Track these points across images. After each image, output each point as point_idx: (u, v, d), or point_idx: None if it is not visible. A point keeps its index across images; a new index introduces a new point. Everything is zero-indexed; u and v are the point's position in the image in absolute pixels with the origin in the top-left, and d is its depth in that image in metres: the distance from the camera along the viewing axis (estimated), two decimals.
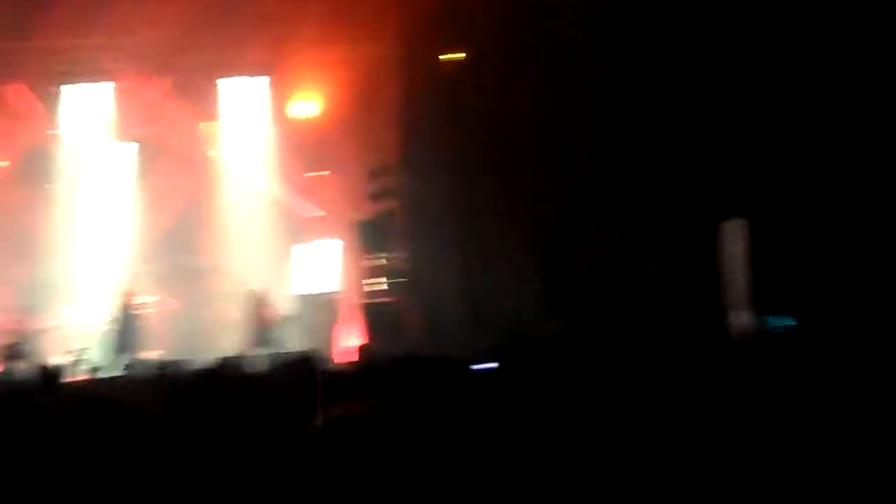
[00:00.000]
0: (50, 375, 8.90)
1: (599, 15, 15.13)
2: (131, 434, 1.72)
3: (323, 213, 21.69)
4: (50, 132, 20.98)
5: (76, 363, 17.29)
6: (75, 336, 18.87)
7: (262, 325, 18.84)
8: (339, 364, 11.68)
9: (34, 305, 19.35)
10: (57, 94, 20.94)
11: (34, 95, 20.69)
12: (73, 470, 1.68)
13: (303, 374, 6.58)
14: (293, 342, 18.71)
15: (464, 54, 17.55)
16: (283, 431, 3.70)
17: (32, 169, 20.74)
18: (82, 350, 18.22)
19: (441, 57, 17.50)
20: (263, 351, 16.75)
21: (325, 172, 21.52)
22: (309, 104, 21.16)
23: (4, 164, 20.59)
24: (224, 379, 4.73)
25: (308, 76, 20.72)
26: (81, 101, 20.96)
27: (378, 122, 19.48)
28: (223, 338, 18.42)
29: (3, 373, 16.56)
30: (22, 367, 16.39)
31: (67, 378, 10.67)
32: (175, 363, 10.46)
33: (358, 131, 20.83)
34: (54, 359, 12.63)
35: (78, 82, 20.77)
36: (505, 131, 16.77)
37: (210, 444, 1.72)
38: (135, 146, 21.32)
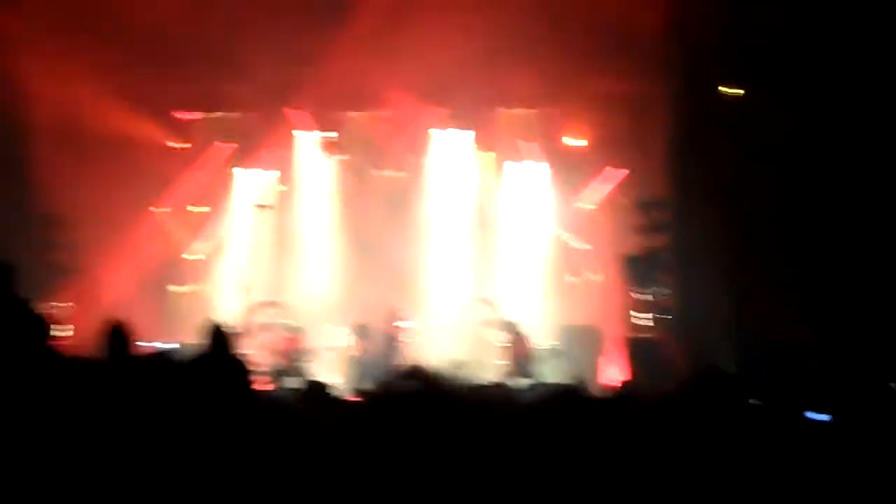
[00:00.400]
0: (321, 391, 9.19)
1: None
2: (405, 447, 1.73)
3: (589, 247, 21.64)
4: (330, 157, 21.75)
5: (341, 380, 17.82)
6: (337, 357, 19.45)
7: (523, 355, 18.88)
8: (603, 397, 11.59)
9: (310, 325, 20.10)
10: (338, 121, 21.76)
11: (317, 121, 21.57)
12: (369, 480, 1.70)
13: (567, 405, 6.57)
14: (556, 374, 18.70)
15: (742, 90, 17.15)
16: (546, 460, 3.66)
17: (313, 193, 21.55)
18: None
19: (718, 91, 17.16)
20: (524, 381, 16.80)
21: (592, 206, 21.49)
22: (580, 136, 21.17)
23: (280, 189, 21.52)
24: (491, 405, 4.72)
25: (581, 109, 20.76)
26: (362, 128, 21.67)
27: (649, 156, 19.28)
28: (487, 366, 18.55)
29: (278, 389, 17.20)
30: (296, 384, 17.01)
31: (334, 394, 10.98)
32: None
33: (629, 164, 20.71)
34: (325, 377, 13.08)
35: (358, 109, 21.53)
36: (780, 168, 16.30)
37: (482, 466, 1.72)
38: (404, 174, 21.85)
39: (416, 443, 1.66)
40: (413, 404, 1.72)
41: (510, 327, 19.22)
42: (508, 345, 19.09)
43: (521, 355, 18.83)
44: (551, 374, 18.20)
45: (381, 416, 1.74)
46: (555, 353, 19.62)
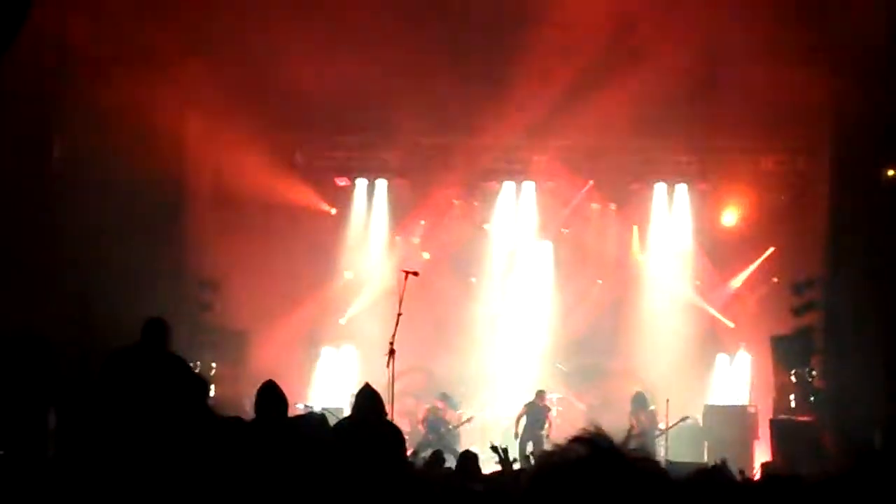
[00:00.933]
0: (471, 462, 9.28)
1: None
2: None
3: (732, 325, 21.37)
4: (478, 226, 21.99)
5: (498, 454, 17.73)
6: (491, 427, 19.41)
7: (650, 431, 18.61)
8: (747, 480, 11.39)
9: (454, 394, 20.24)
10: (486, 190, 21.96)
11: (465, 190, 21.85)
12: None
13: (711, 486, 6.52)
14: (700, 453, 18.43)
15: (894, 171, 16.81)
16: None
17: (460, 262, 21.80)
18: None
19: (873, 172, 16.86)
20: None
21: (735, 283, 21.29)
22: (733, 213, 21.00)
23: (426, 255, 21.77)
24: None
25: (734, 185, 20.62)
26: (509, 198, 21.86)
27: (803, 235, 19.01)
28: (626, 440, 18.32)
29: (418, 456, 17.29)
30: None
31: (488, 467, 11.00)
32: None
33: (780, 243, 20.44)
34: (472, 448, 13.08)
35: (506, 179, 21.74)
36: None
37: None
38: (550, 245, 21.93)
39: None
40: (584, 469, 1.76)
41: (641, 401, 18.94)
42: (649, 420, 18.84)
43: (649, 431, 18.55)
44: (689, 453, 17.92)
45: (551, 483, 1.78)
46: (701, 431, 19.34)
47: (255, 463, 6.84)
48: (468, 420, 19.48)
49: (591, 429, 1.86)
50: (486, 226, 21.95)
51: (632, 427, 17.73)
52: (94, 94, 15.17)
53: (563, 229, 21.88)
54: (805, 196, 19.56)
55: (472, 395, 20.64)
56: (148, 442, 7.12)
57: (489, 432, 18.70)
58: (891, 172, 16.75)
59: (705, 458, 17.59)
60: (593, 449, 1.81)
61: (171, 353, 8.72)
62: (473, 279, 21.99)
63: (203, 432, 7.78)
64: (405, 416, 20.29)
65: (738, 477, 11.54)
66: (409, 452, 17.65)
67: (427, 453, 17.95)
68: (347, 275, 21.88)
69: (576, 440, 1.84)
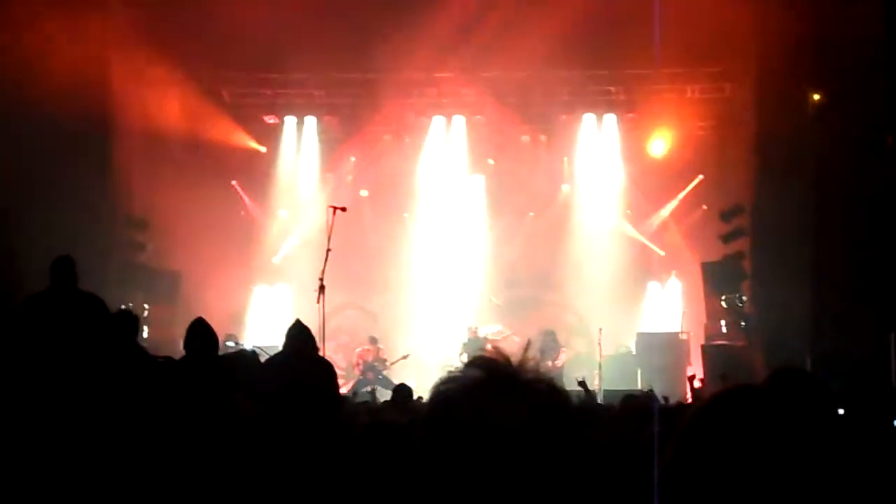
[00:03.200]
0: (405, 395, 9.34)
1: None
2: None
3: (663, 253, 21.60)
4: (409, 162, 21.93)
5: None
6: (427, 363, 19.46)
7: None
8: (678, 404, 11.58)
9: (387, 333, 20.30)
10: (416, 125, 21.89)
11: (395, 126, 21.76)
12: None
13: (642, 411, 6.63)
14: (634, 380, 18.66)
15: (818, 96, 16.95)
16: (619, 465, 3.75)
17: (392, 198, 21.75)
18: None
19: (798, 98, 16.97)
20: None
21: (664, 212, 21.49)
22: (661, 142, 21.11)
23: (364, 193, 21.68)
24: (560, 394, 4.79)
25: (662, 114, 20.70)
26: (439, 133, 21.82)
27: (730, 162, 19.18)
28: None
29: (358, 395, 17.36)
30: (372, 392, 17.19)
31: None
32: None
33: (709, 171, 20.63)
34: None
35: (436, 114, 21.68)
36: (862, 174, 16.06)
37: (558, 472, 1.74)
38: (482, 178, 21.95)
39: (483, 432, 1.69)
40: (477, 392, 1.75)
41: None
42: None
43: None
44: (623, 381, 18.13)
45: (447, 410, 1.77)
46: (629, 359, 19.59)
47: (183, 401, 6.82)
48: (403, 357, 19.54)
49: (492, 352, 1.86)
50: (418, 160, 21.81)
51: (527, 348, 17.75)
52: (13, 33, 14.87)
53: (489, 160, 21.83)
54: (732, 124, 19.69)
55: (407, 332, 20.70)
56: (76, 384, 7.04)
57: (425, 368, 18.80)
58: (816, 97, 16.89)
59: (639, 386, 17.81)
60: (487, 371, 1.81)
61: (86, 291, 8.59)
62: (406, 214, 21.96)
63: (134, 370, 7.74)
64: (340, 351, 20.37)
65: (663, 402, 11.77)
66: (346, 390, 17.77)
67: (367, 390, 18.08)
68: (282, 213, 21.78)
69: (471, 363, 1.84)
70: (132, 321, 8.99)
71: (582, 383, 10.36)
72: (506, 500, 1.68)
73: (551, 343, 18.46)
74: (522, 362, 1.85)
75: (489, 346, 18.66)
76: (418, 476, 1.74)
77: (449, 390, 1.78)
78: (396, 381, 14.51)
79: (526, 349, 1.91)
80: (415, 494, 1.74)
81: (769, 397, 1.76)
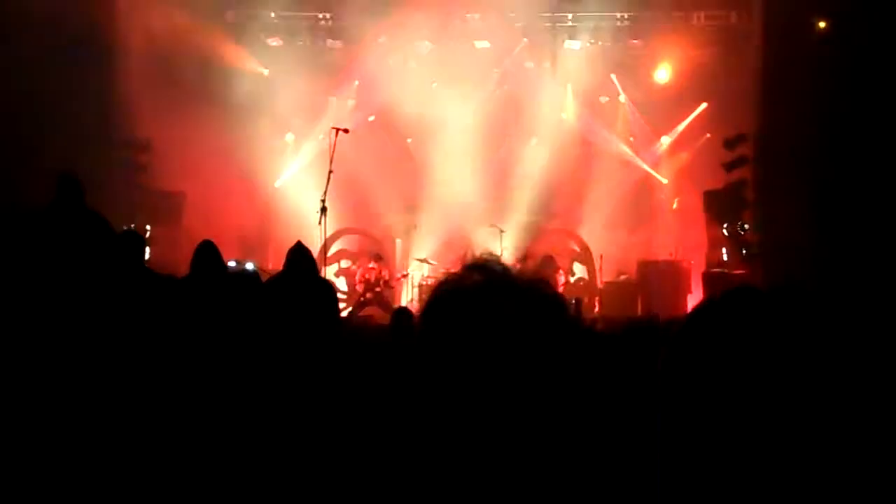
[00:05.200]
0: (405, 318, 9.39)
1: None
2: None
3: (666, 181, 21.59)
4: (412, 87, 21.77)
5: None
6: (428, 284, 19.47)
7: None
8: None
9: (388, 259, 20.34)
10: (420, 50, 21.64)
11: (399, 51, 21.54)
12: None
13: (642, 339, 6.66)
14: (634, 307, 18.75)
15: (824, 23, 16.82)
16: (619, 394, 3.78)
17: (396, 122, 21.63)
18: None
19: (804, 26, 16.83)
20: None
21: (668, 139, 21.43)
22: (667, 70, 21.00)
23: (371, 118, 21.61)
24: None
25: (667, 41, 20.56)
26: (443, 59, 21.61)
27: (735, 90, 19.07)
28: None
29: (362, 317, 17.46)
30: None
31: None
32: None
33: (713, 99, 20.53)
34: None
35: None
36: (867, 104, 15.97)
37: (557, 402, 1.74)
38: (486, 105, 21.79)
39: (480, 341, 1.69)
40: (475, 294, 1.76)
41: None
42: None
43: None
44: (624, 308, 18.21)
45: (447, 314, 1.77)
46: (630, 286, 19.66)
47: (187, 319, 6.86)
48: (404, 276, 19.61)
49: (487, 255, 1.87)
50: (433, 84, 21.55)
51: (524, 257, 17.88)
52: None
53: (493, 87, 21.71)
54: (737, 51, 19.56)
55: (409, 253, 20.74)
56: (83, 304, 7.06)
57: (426, 289, 18.85)
58: (822, 24, 16.76)
59: (639, 313, 17.91)
60: (485, 274, 1.82)
61: (91, 210, 8.55)
62: (409, 140, 21.88)
63: (141, 289, 7.76)
64: (341, 274, 20.44)
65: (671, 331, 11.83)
66: (346, 312, 17.86)
67: (364, 311, 18.18)
68: (288, 137, 21.72)
69: (470, 267, 1.85)
70: (139, 241, 9.01)
71: (577, 304, 10.35)
72: (505, 396, 1.70)
73: (550, 267, 18.51)
74: (521, 271, 1.86)
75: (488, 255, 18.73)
76: (416, 374, 1.76)
77: (449, 289, 1.79)
78: (397, 302, 14.57)
79: (522, 262, 1.91)
80: (414, 393, 1.75)
81: (770, 299, 1.74)
